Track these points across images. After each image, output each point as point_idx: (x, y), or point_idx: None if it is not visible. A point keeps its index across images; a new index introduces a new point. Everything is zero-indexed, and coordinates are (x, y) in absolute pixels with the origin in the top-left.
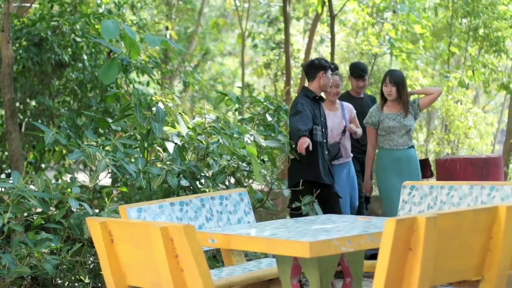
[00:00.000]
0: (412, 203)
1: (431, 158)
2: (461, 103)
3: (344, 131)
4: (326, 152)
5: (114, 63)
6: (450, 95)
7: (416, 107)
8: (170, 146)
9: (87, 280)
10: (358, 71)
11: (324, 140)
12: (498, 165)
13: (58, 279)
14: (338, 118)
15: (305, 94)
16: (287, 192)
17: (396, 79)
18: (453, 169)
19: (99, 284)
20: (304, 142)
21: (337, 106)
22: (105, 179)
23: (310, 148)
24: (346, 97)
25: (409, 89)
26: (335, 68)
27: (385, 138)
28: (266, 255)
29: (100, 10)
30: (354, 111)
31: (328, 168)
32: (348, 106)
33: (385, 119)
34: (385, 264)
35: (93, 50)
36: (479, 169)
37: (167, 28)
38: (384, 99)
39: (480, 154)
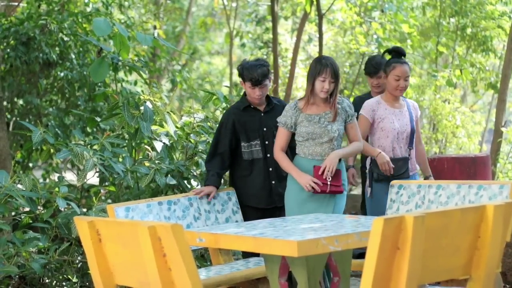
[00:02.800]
0: (400, 202)
1: None
2: (449, 102)
3: (411, 142)
4: (271, 169)
5: (104, 62)
6: (438, 94)
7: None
8: (158, 145)
9: (75, 279)
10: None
11: (267, 155)
12: (485, 164)
13: (46, 278)
14: (406, 118)
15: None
16: None
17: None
18: (441, 168)
19: (87, 283)
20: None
21: (402, 103)
22: (93, 178)
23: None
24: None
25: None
26: (401, 55)
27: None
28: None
29: (88, 9)
30: (419, 111)
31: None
32: (414, 103)
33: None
34: (373, 263)
35: (81, 49)
36: (467, 168)
37: (155, 27)
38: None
39: (468, 153)
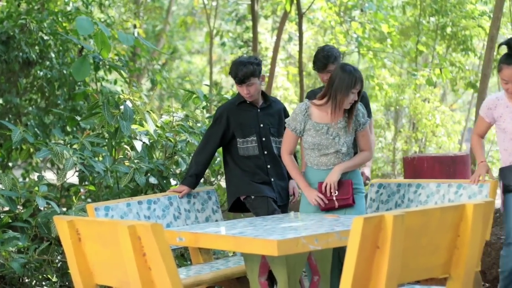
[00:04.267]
0: (380, 201)
1: (399, 156)
2: (428, 101)
3: None
4: (269, 166)
5: (86, 60)
6: (418, 93)
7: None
8: (138, 145)
9: (54, 279)
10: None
11: (265, 152)
12: (465, 163)
13: (26, 278)
14: None
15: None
16: None
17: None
18: (420, 167)
19: (67, 283)
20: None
21: None
22: (72, 178)
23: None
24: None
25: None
26: None
27: None
28: (234, 253)
29: (68, 8)
30: None
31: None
32: None
33: None
34: (353, 262)
35: (60, 48)
36: (447, 167)
37: (135, 26)
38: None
39: (448, 152)
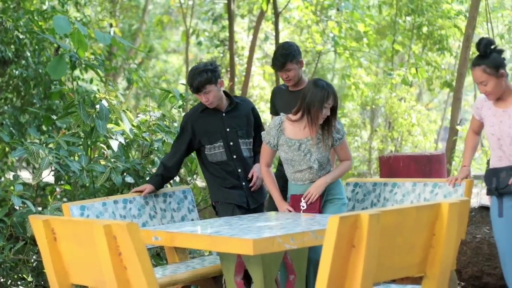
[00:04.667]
0: (356, 200)
1: (375, 155)
2: (404, 101)
3: None
4: (240, 170)
5: (62, 59)
6: (394, 92)
7: None
8: (114, 144)
9: (30, 279)
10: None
11: (234, 156)
12: (441, 163)
13: (1, 277)
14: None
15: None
16: None
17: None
18: (396, 166)
19: (42, 283)
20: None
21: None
22: (48, 177)
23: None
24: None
25: None
26: (481, 52)
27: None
28: (210, 253)
29: (44, 7)
30: None
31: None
32: None
33: None
34: (329, 261)
35: (36, 47)
36: (422, 166)
37: (111, 25)
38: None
39: (424, 151)
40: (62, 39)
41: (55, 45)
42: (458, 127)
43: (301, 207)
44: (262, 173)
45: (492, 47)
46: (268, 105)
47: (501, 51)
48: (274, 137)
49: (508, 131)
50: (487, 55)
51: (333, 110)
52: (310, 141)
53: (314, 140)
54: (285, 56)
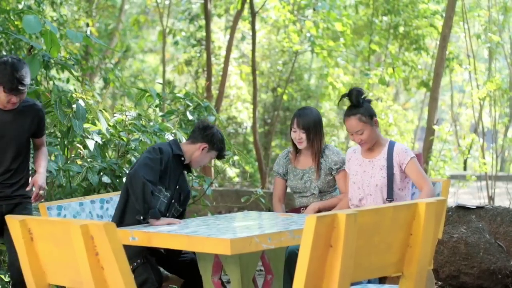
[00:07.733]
0: None
1: None
2: (381, 101)
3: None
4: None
5: (35, 59)
6: (371, 92)
7: None
8: (90, 144)
9: (6, 279)
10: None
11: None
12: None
13: None
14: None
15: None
16: (209, 191)
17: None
18: None
19: None
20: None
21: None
22: None
23: None
24: None
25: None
26: (354, 102)
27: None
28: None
29: (20, 6)
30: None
31: None
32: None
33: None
34: (306, 260)
35: (12, 46)
36: None
37: (87, 25)
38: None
39: None
40: (38, 38)
41: (29, 45)
42: (435, 127)
43: None
44: (274, 207)
45: (363, 96)
46: (245, 104)
47: (370, 101)
48: (283, 166)
49: (369, 181)
50: (359, 104)
51: (309, 134)
52: (312, 170)
53: (313, 169)
54: None
